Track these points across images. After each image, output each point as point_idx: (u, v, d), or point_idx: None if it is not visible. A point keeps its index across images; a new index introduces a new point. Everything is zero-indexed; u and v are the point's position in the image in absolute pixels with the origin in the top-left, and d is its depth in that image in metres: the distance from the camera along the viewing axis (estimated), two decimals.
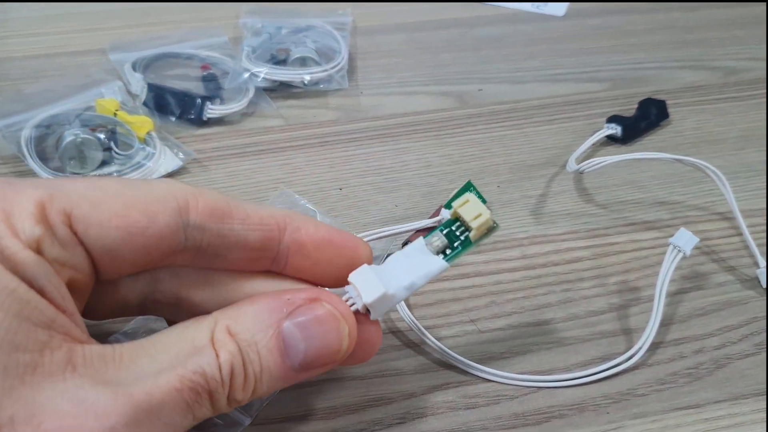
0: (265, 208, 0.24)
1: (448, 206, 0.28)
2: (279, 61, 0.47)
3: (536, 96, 0.47)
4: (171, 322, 0.26)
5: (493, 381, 0.30)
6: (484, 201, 0.26)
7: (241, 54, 0.48)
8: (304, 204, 0.38)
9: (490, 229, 0.26)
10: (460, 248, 0.26)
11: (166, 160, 0.40)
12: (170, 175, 0.40)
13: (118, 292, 0.24)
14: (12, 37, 0.51)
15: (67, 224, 0.20)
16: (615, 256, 0.36)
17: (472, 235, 0.26)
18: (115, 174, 0.38)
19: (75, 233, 0.21)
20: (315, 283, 0.25)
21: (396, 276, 0.25)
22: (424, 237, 0.26)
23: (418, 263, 0.25)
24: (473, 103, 0.47)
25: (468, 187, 0.29)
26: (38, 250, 0.20)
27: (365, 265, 0.24)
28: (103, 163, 0.39)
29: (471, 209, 0.26)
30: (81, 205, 0.21)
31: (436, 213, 0.34)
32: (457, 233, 0.26)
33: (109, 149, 0.39)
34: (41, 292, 0.19)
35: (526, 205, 0.39)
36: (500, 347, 0.32)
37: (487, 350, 0.31)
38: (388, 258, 0.25)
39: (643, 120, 0.44)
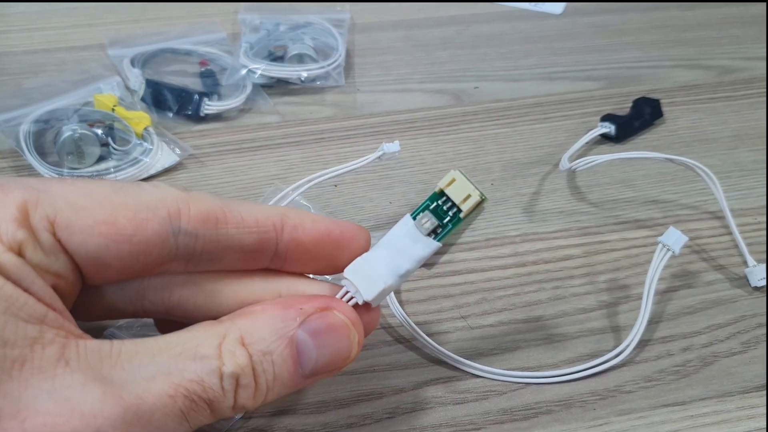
0: (260, 208, 0.24)
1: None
2: (276, 58, 0.47)
3: (531, 94, 0.48)
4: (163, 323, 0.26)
5: (482, 377, 0.31)
6: (467, 179, 0.25)
7: (239, 50, 0.48)
8: (299, 200, 0.38)
9: (479, 204, 0.26)
10: (450, 226, 0.25)
11: (163, 155, 0.40)
12: (167, 171, 0.40)
13: (107, 297, 0.24)
14: (11, 32, 0.52)
15: (50, 231, 0.20)
16: (605, 254, 0.37)
17: (462, 214, 0.25)
18: (112, 169, 0.39)
19: (59, 240, 0.21)
20: (314, 274, 0.25)
21: (390, 263, 0.24)
22: (412, 216, 0.25)
23: (409, 246, 0.25)
24: (469, 100, 0.47)
25: None
26: (20, 254, 0.20)
27: (359, 259, 0.24)
28: (101, 159, 0.40)
29: (459, 190, 0.25)
30: (65, 211, 0.21)
31: None
32: (445, 208, 0.25)
33: (106, 144, 0.40)
34: (27, 292, 0.19)
35: (519, 203, 0.39)
36: (490, 343, 0.32)
37: (477, 346, 0.32)
38: (379, 243, 0.25)
39: (637, 119, 0.44)
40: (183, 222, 0.22)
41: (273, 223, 0.23)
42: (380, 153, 0.35)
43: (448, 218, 0.25)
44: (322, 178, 0.35)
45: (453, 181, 0.25)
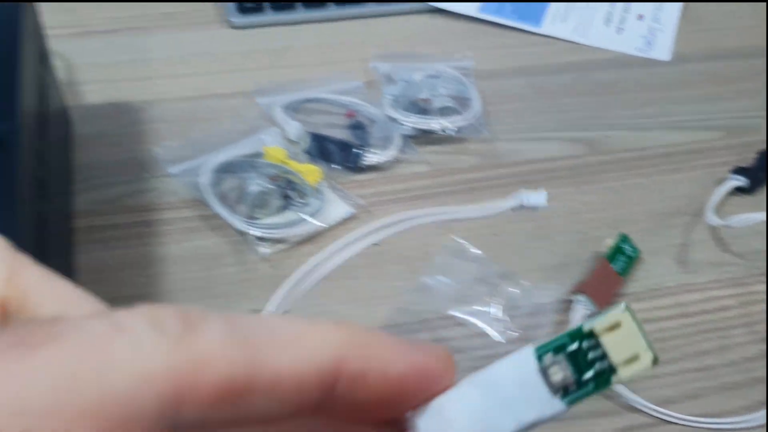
0: (307, 348, 0.16)
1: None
2: (421, 110, 0.51)
3: (659, 144, 0.51)
4: None
5: (674, 423, 0.34)
6: (639, 326, 0.16)
7: (382, 101, 0.51)
8: (470, 249, 0.41)
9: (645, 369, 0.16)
10: (592, 388, 0.16)
11: (337, 207, 0.44)
12: (342, 222, 0.43)
13: None
14: (157, 78, 0.55)
15: None
16: (760, 305, 0.40)
17: (616, 378, 0.16)
18: (298, 218, 0.42)
19: None
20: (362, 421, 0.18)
21: (483, 417, 0.17)
22: (536, 351, 0.17)
23: (519, 398, 0.17)
24: (603, 149, 0.50)
25: (620, 249, 0.30)
26: None
27: (439, 399, 0.17)
28: (282, 210, 0.43)
29: (623, 341, 0.16)
30: None
31: (580, 288, 0.38)
32: (590, 358, 0.16)
33: (287, 197, 0.43)
34: None
35: (670, 254, 0.43)
36: (674, 391, 0.35)
37: (664, 394, 0.35)
38: (474, 380, 0.17)
39: (766, 170, 0.48)
40: (186, 411, 0.15)
41: (322, 377, 0.16)
42: (518, 203, 0.37)
43: (592, 375, 0.16)
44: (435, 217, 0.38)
45: (618, 325, 0.16)
